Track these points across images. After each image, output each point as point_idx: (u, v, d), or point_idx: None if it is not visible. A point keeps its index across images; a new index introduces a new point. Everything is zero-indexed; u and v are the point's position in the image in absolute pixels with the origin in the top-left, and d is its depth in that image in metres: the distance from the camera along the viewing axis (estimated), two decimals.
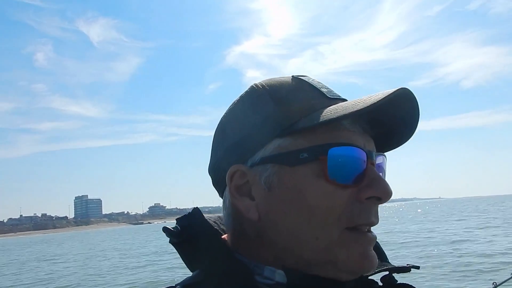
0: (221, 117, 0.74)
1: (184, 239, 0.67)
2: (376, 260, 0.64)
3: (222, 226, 0.77)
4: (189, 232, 0.67)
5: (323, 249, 0.62)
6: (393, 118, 0.67)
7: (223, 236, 0.73)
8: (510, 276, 3.33)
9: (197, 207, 0.70)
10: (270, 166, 0.64)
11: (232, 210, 0.68)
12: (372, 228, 0.65)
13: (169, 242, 0.68)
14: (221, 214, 0.75)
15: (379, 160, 0.68)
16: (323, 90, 0.67)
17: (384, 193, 0.62)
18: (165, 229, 0.68)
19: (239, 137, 0.67)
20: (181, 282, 0.68)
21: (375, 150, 0.66)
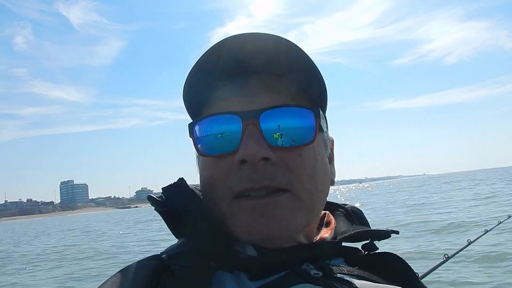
0: None
1: (169, 208, 0.68)
2: (277, 226, 0.61)
3: None
4: (174, 201, 0.67)
5: (221, 220, 0.64)
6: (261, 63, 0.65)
7: None
8: (462, 247, 3.37)
9: (182, 177, 0.71)
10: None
11: None
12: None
13: (155, 210, 0.69)
14: None
15: (273, 115, 0.63)
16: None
17: (247, 155, 0.60)
18: (150, 198, 0.69)
19: None
20: (166, 250, 0.69)
21: (269, 105, 0.63)
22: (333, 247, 0.68)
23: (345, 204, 0.83)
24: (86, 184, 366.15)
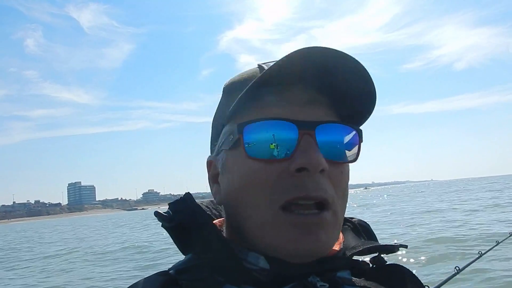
0: (214, 112, 0.77)
1: (176, 223, 0.67)
2: (322, 242, 0.61)
3: (214, 211, 0.79)
4: (180, 216, 0.67)
5: (260, 231, 0.62)
6: (343, 80, 0.64)
7: (215, 221, 0.74)
8: (475, 258, 3.29)
9: (189, 192, 0.71)
10: (222, 153, 0.69)
11: None
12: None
13: (162, 226, 0.69)
14: (213, 199, 0.77)
15: (326, 129, 0.63)
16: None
17: (309, 164, 0.59)
18: (156, 214, 0.69)
19: (211, 132, 0.76)
20: (174, 266, 0.69)
21: (324, 119, 0.63)
22: (343, 262, 0.67)
23: (352, 218, 0.82)
24: (93, 185, 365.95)
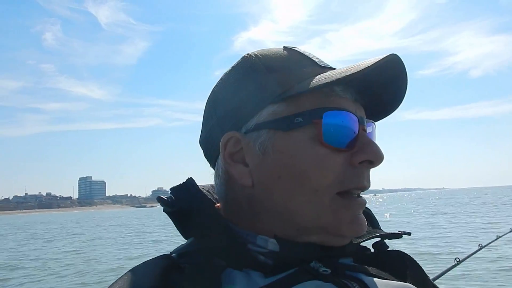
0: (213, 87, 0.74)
1: (178, 208, 0.68)
2: (366, 224, 0.65)
3: (215, 195, 0.77)
4: (183, 201, 0.67)
5: (315, 213, 0.62)
6: (381, 86, 0.67)
7: (216, 205, 0.74)
8: (475, 250, 3.37)
9: (191, 177, 0.70)
10: (264, 132, 0.64)
11: (225, 178, 0.69)
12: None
13: (163, 211, 0.69)
14: (213, 183, 0.75)
15: (369, 127, 0.69)
16: (315, 59, 0.68)
17: (376, 156, 0.63)
18: (159, 199, 0.69)
19: (232, 105, 0.67)
20: (176, 250, 0.69)
21: (365, 117, 0.68)
22: (350, 249, 0.69)
23: None
24: (104, 181, 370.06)
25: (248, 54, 0.71)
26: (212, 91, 0.74)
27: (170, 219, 0.70)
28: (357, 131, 0.64)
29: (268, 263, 0.63)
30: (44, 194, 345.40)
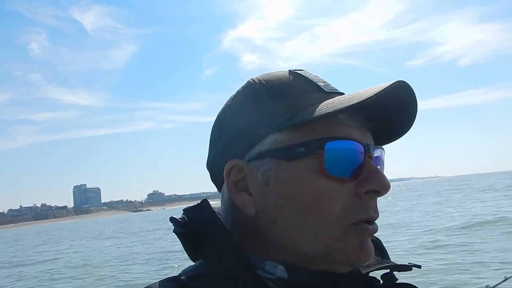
0: (218, 112, 0.74)
1: (190, 230, 0.67)
2: (373, 251, 0.64)
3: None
4: (196, 223, 0.66)
5: (322, 243, 0.61)
6: (390, 111, 0.66)
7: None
8: (500, 281, 3.14)
9: (205, 199, 0.69)
10: (267, 161, 0.63)
11: (230, 205, 0.68)
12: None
13: (173, 231, 0.68)
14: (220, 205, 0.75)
15: (377, 153, 0.68)
16: (320, 84, 0.67)
17: (382, 186, 0.62)
18: (172, 219, 0.69)
19: (236, 132, 0.67)
20: (185, 272, 0.68)
21: (372, 143, 0.66)
22: (358, 279, 0.68)
23: None
24: (98, 188, 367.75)
25: (252, 79, 0.70)
26: (217, 116, 0.73)
27: (178, 239, 0.69)
28: (362, 160, 0.62)
29: None
30: (39, 205, 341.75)
